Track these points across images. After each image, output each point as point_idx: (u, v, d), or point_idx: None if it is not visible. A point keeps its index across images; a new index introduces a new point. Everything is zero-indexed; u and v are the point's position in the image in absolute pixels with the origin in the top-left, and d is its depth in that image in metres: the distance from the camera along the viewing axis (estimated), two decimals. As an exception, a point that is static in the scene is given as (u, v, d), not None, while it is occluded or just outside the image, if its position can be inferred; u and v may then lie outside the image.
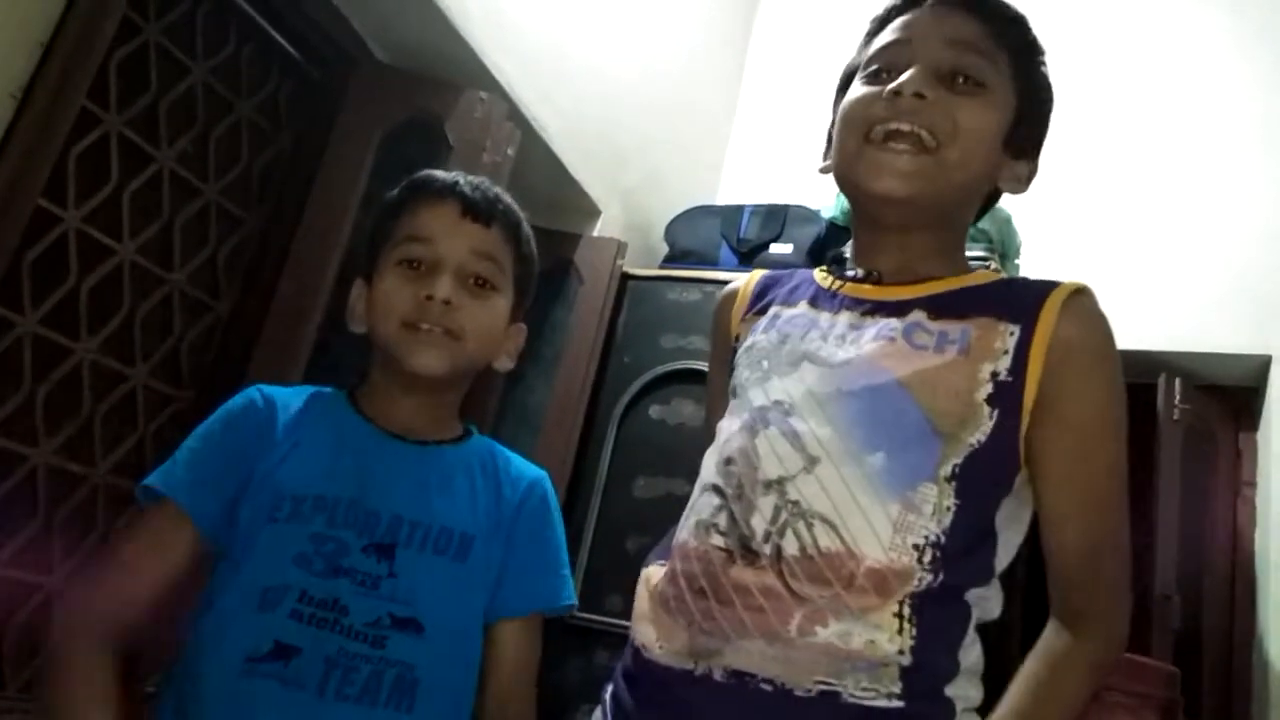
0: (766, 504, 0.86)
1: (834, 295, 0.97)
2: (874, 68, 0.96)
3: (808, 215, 2.74)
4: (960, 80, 0.92)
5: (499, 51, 2.25)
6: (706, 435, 1.02)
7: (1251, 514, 2.67)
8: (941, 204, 0.94)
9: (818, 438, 0.86)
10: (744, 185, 3.33)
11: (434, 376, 1.08)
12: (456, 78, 2.18)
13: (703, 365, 2.51)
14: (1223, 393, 2.81)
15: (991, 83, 0.93)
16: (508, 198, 1.16)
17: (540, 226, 2.60)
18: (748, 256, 2.72)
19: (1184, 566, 2.52)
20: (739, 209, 2.82)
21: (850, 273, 0.98)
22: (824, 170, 1.02)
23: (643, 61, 2.90)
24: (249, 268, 2.04)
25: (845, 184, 0.97)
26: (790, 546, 0.84)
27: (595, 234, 2.73)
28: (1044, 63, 0.99)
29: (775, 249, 2.70)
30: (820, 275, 1.01)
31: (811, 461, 0.86)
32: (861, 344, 0.90)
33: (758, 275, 1.08)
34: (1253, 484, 2.71)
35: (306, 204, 2.04)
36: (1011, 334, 0.87)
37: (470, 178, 1.15)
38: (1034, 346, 0.86)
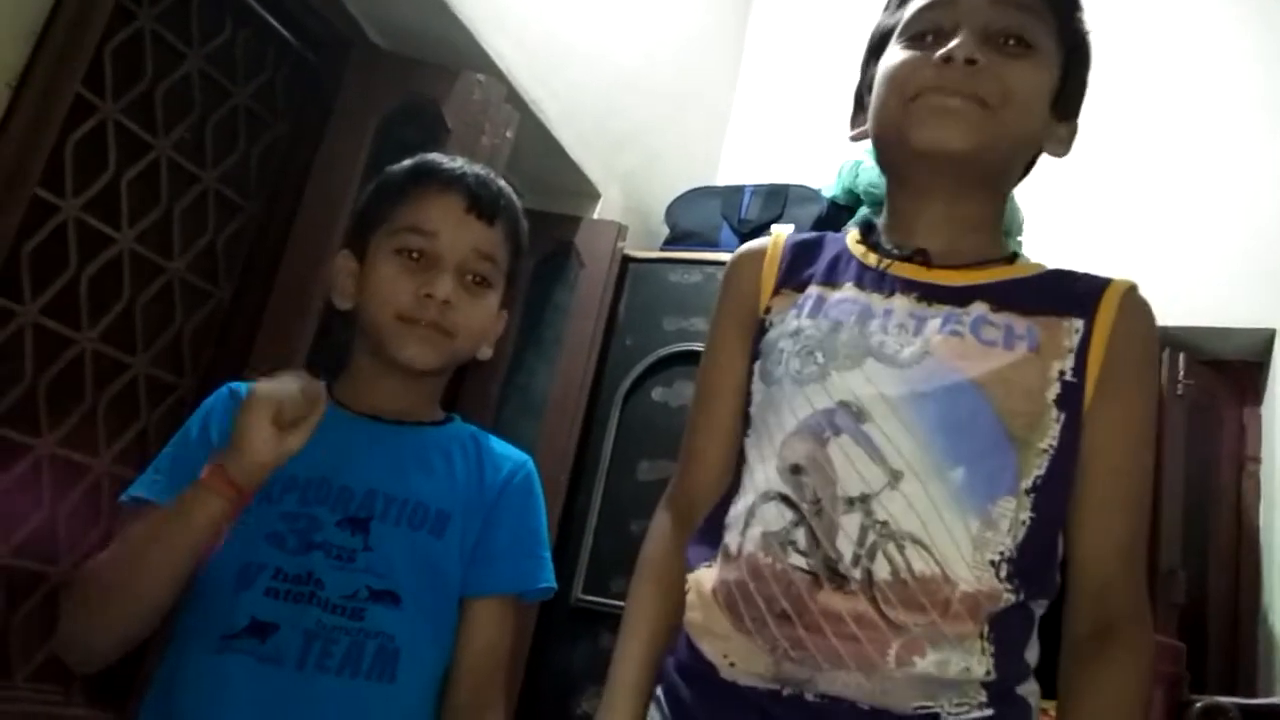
0: (851, 523, 0.81)
1: (882, 275, 0.91)
2: (915, 29, 0.91)
3: (809, 195, 2.73)
4: (1009, 42, 0.88)
5: (496, 34, 2.24)
6: (702, 401, 0.99)
7: (1256, 488, 2.67)
8: (993, 164, 0.91)
9: (899, 449, 0.82)
10: (744, 166, 3.31)
11: (422, 370, 1.08)
12: (454, 61, 2.16)
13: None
14: (1227, 367, 2.80)
15: (1040, 43, 0.89)
16: (509, 190, 1.15)
17: (539, 210, 2.62)
18: (749, 237, 2.69)
19: (1189, 541, 2.51)
20: (739, 189, 2.81)
21: (893, 249, 0.92)
22: (856, 137, 0.98)
23: (641, 42, 2.88)
24: (248, 254, 2.04)
25: (887, 144, 0.93)
26: (881, 570, 0.80)
27: (595, 217, 2.72)
28: (1083, 18, 0.95)
29: (777, 229, 2.68)
30: (857, 248, 0.95)
31: (895, 476, 0.81)
32: (928, 337, 0.86)
33: (782, 237, 1.00)
34: (1257, 459, 2.70)
35: (305, 189, 2.03)
36: (1076, 331, 0.86)
37: (475, 168, 1.14)
38: (1093, 346, 0.86)
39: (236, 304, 2.00)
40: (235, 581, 0.98)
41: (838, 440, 0.83)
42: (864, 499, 0.81)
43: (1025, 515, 0.82)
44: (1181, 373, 2.63)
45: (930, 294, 0.88)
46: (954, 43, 0.87)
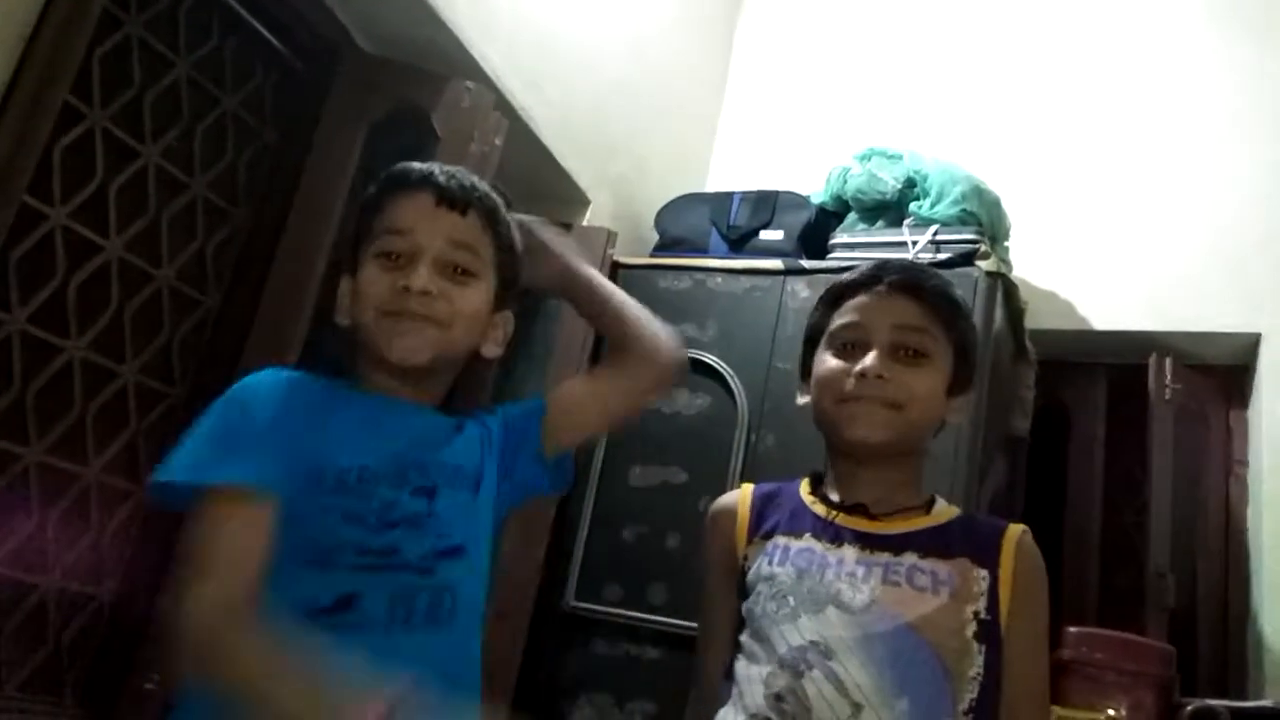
0: None
1: (831, 524, 1.15)
2: (839, 341, 1.19)
3: (798, 201, 2.74)
4: (908, 353, 1.16)
5: (485, 40, 2.24)
6: (706, 635, 1.23)
7: (1244, 492, 2.68)
8: (906, 444, 1.17)
9: (858, 685, 1.04)
10: (733, 172, 3.32)
11: (416, 365, 1.08)
12: (442, 68, 2.17)
13: (696, 354, 2.52)
14: (1214, 372, 2.81)
15: (933, 352, 1.17)
16: (484, 184, 1.16)
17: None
18: (738, 243, 2.72)
19: (1177, 545, 2.52)
20: (728, 196, 2.81)
21: (836, 499, 1.18)
22: (803, 404, 1.24)
23: (630, 49, 2.89)
24: (237, 262, 2.03)
25: (825, 431, 1.20)
26: None
27: (585, 223, 2.72)
28: (969, 321, 1.24)
29: (765, 235, 2.69)
30: (809, 498, 1.20)
31: (856, 708, 1.03)
32: (873, 585, 1.09)
33: (749, 493, 1.24)
34: (1244, 462, 2.71)
35: (294, 197, 2.03)
36: (983, 578, 1.11)
37: (445, 167, 1.16)
38: (1001, 589, 1.11)
39: (226, 312, 2.00)
40: (318, 564, 0.98)
41: (811, 675, 1.06)
42: None
43: None
44: (1169, 377, 2.64)
45: (872, 542, 1.13)
46: (866, 361, 1.15)
